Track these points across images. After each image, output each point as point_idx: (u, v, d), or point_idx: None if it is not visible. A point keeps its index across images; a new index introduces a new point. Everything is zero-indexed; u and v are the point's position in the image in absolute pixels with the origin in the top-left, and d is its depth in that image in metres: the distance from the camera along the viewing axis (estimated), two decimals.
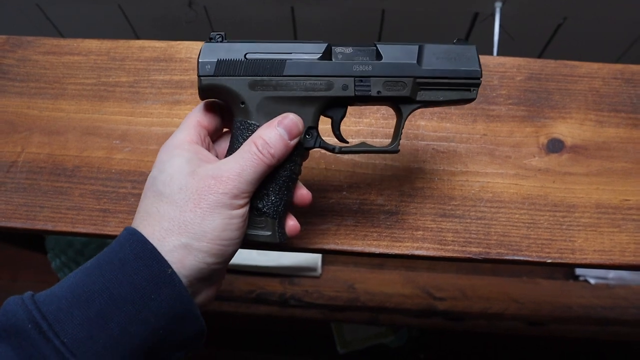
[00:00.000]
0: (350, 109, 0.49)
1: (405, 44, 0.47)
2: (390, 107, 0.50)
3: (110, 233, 0.58)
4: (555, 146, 0.61)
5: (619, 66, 0.65)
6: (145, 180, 0.44)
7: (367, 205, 0.58)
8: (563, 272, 1.31)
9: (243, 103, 0.45)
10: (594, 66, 0.65)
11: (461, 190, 0.59)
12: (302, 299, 1.24)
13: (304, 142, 0.46)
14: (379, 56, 0.46)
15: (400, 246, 0.57)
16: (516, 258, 0.56)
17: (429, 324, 1.24)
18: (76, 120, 0.64)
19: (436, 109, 0.63)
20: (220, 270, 0.43)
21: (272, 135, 0.43)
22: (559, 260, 0.56)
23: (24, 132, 0.63)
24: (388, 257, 0.57)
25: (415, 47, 0.47)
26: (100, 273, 0.39)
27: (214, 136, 0.49)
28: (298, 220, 0.49)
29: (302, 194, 0.48)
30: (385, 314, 1.24)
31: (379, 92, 0.46)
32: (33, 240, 1.32)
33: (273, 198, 0.45)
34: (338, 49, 0.46)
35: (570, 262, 0.56)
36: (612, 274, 1.28)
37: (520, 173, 0.59)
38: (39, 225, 0.58)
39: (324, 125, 0.49)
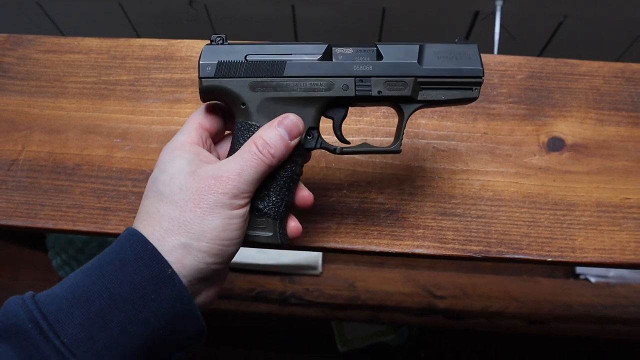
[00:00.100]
0: (351, 107, 0.49)
1: (406, 44, 0.47)
2: (391, 107, 0.50)
3: (110, 231, 0.58)
4: (555, 145, 0.61)
5: (620, 65, 0.65)
6: (146, 178, 0.44)
7: (367, 204, 0.58)
8: (563, 271, 1.31)
9: (244, 104, 0.45)
10: (595, 65, 0.65)
11: (461, 189, 0.59)
12: (303, 297, 1.24)
13: (305, 143, 0.46)
14: (379, 56, 0.46)
15: (400, 245, 0.57)
16: (516, 256, 0.56)
17: (430, 323, 1.24)
18: (77, 119, 0.64)
19: (437, 108, 0.62)
20: (220, 271, 0.43)
21: (273, 135, 0.43)
22: (560, 259, 0.56)
23: (25, 130, 0.63)
24: (388, 256, 0.57)
25: (416, 47, 0.46)
26: (101, 273, 0.39)
27: (216, 138, 0.49)
28: (298, 219, 0.49)
29: (304, 195, 0.48)
30: (385, 312, 1.24)
31: (379, 92, 0.46)
32: (34, 239, 1.33)
33: (274, 199, 0.45)
34: (338, 50, 0.46)
35: (571, 260, 0.56)
36: (612, 272, 1.28)
37: (521, 171, 0.59)
38: (40, 224, 0.58)
39: (325, 123, 0.49)
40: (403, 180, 0.59)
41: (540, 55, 1.19)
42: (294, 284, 1.26)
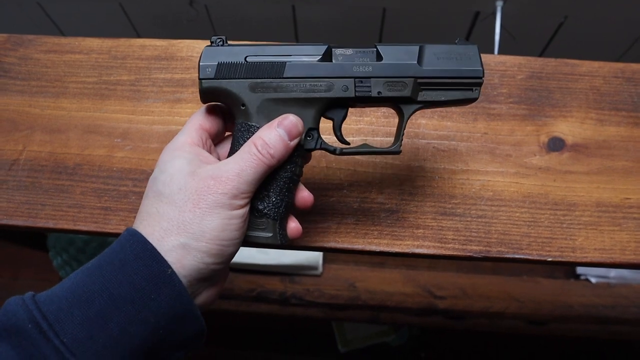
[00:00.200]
0: (351, 108, 0.49)
1: (406, 45, 0.47)
2: (391, 107, 0.50)
3: (111, 231, 0.58)
4: (556, 145, 0.61)
5: (620, 65, 0.65)
6: (147, 178, 0.44)
7: (367, 204, 0.58)
8: (564, 271, 1.31)
9: (244, 105, 0.45)
10: (595, 65, 0.65)
11: (462, 189, 0.59)
12: (303, 297, 1.24)
13: (304, 144, 0.46)
14: (379, 57, 0.46)
15: (400, 244, 0.57)
16: (517, 256, 0.56)
17: (430, 323, 1.24)
18: (77, 119, 0.64)
19: (437, 108, 0.63)
20: (220, 271, 0.43)
21: (272, 135, 0.43)
22: (560, 259, 0.56)
23: (26, 130, 0.63)
24: (388, 256, 0.57)
25: (416, 48, 0.46)
26: (101, 273, 0.39)
27: (216, 139, 0.49)
28: (298, 219, 0.49)
29: (304, 196, 0.48)
30: (386, 313, 1.24)
31: (379, 92, 0.46)
32: (34, 238, 1.33)
33: (274, 199, 0.45)
34: (338, 51, 0.46)
35: (571, 260, 0.56)
36: (613, 272, 1.28)
37: (521, 171, 0.59)
38: (41, 223, 0.59)
39: (325, 123, 0.49)
40: (403, 180, 0.59)
41: (540, 55, 1.19)
42: (294, 284, 1.26)
